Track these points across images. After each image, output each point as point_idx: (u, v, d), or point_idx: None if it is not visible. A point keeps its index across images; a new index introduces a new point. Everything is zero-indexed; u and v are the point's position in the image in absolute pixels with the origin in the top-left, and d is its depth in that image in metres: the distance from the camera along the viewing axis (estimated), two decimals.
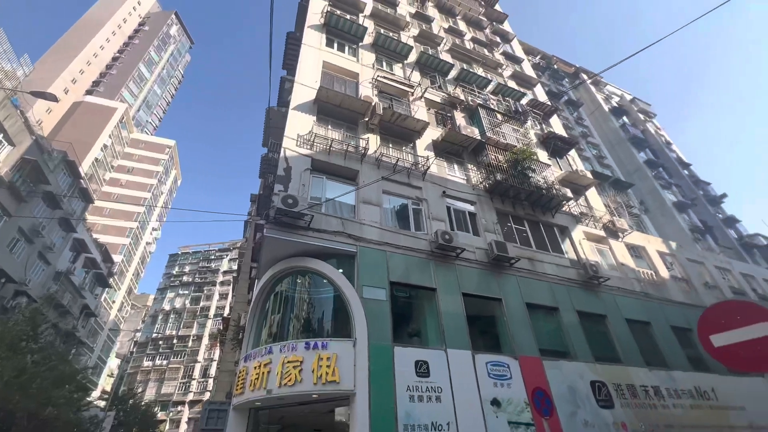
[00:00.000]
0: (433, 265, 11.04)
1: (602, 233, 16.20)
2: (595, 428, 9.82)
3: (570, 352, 11.38)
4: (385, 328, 9.21)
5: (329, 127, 13.45)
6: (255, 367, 8.76)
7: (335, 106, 13.69)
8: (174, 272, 68.91)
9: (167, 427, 49.06)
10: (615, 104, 39.98)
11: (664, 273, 16.84)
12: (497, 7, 29.33)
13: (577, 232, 15.38)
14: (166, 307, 62.41)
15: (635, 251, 17.24)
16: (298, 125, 12.46)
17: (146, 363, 56.11)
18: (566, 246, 14.78)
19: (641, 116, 40.48)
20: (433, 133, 15.21)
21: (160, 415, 48.01)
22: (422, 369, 8.77)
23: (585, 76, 40.20)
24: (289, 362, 8.33)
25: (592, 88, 39.62)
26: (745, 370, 3.17)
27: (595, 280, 13.56)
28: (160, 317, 61.34)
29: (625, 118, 37.95)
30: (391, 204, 12.43)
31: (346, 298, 9.40)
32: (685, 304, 15.66)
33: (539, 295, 12.24)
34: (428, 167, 13.42)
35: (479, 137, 15.44)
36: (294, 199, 9.78)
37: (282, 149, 11.59)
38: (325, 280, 9.96)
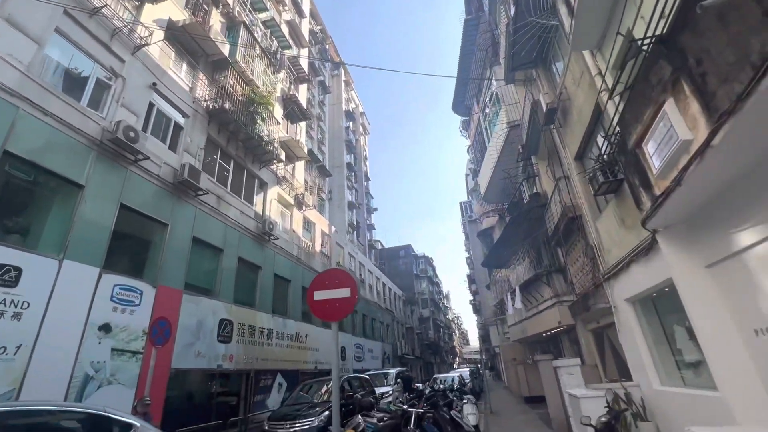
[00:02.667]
0: (94, 158, 8.55)
1: (291, 201, 18.23)
2: (205, 358, 10.62)
3: (214, 291, 11.86)
4: None
5: None
6: None
7: None
8: None
9: None
10: (350, 108, 46.95)
11: (318, 248, 21.03)
12: None
13: (273, 192, 16.55)
14: None
15: (307, 225, 20.55)
16: None
17: None
18: (258, 199, 15.53)
19: (361, 129, 49.65)
20: (174, 11, 12.06)
21: None
22: (7, 277, 6.45)
23: (343, 72, 44.95)
24: None
25: (343, 86, 44.85)
26: (324, 318, 4.23)
27: (268, 236, 14.98)
28: None
29: (351, 123, 45.24)
30: (62, 53, 8.67)
31: None
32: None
33: (211, 234, 12.09)
34: (148, 44, 10.45)
35: (227, 54, 13.71)
36: None
37: None
38: None
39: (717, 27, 2.48)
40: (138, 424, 3.99)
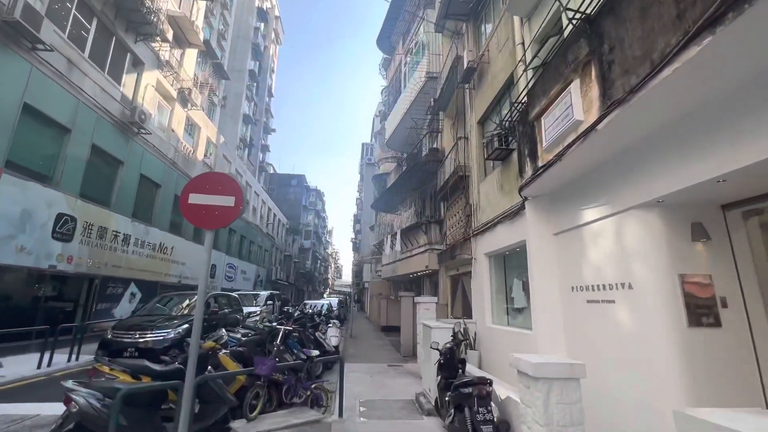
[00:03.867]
0: None
1: (174, 94, 15.40)
2: (31, 255, 8.79)
3: (53, 179, 9.62)
4: None
5: None
6: None
7: None
8: None
9: None
10: (265, 8, 40.54)
11: (200, 156, 18.68)
12: None
13: (150, 75, 13.62)
14: None
15: (191, 127, 17.87)
16: None
17: None
18: (128, 79, 12.62)
19: (273, 35, 43.78)
20: None
21: None
22: None
23: None
24: None
25: None
26: (198, 225, 3.75)
27: (137, 128, 12.54)
28: None
29: (262, 25, 39.37)
30: None
31: None
32: None
33: (54, 106, 9.48)
34: None
35: None
36: None
37: None
38: None
39: (637, 18, 2.71)
40: None
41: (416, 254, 12.92)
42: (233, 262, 23.72)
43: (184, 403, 3.24)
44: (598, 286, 4.08)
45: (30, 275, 9.29)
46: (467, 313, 9.04)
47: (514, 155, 6.40)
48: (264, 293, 17.10)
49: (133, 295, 12.96)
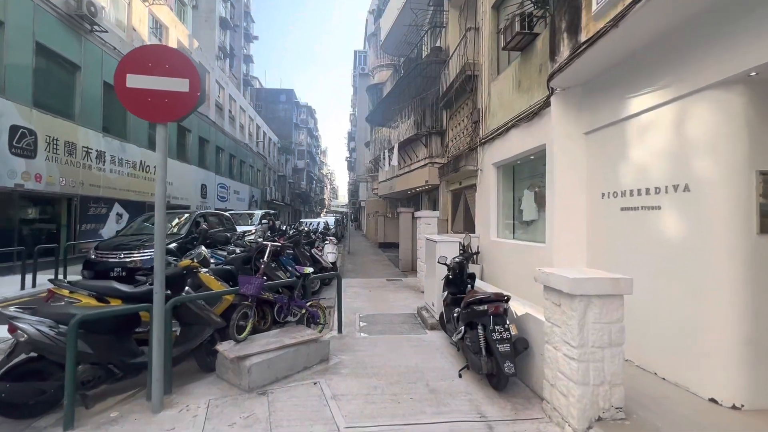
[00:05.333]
0: None
1: None
2: None
3: None
4: None
5: None
6: None
7: None
8: None
9: None
10: None
11: None
12: None
13: None
14: None
15: (157, 28, 15.57)
16: None
17: None
18: None
19: None
20: None
21: None
22: None
23: None
24: None
25: None
26: (142, 116, 2.93)
27: (90, 25, 10.69)
28: None
29: None
30: None
31: None
32: None
33: None
34: None
35: None
36: None
37: None
38: None
39: None
40: None
41: (415, 169, 12.19)
42: (225, 182, 22.96)
43: (155, 328, 2.79)
44: (639, 190, 3.45)
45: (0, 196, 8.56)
46: (469, 228, 8.65)
47: (539, 41, 5.29)
48: (259, 212, 16.69)
49: (119, 215, 12.43)
